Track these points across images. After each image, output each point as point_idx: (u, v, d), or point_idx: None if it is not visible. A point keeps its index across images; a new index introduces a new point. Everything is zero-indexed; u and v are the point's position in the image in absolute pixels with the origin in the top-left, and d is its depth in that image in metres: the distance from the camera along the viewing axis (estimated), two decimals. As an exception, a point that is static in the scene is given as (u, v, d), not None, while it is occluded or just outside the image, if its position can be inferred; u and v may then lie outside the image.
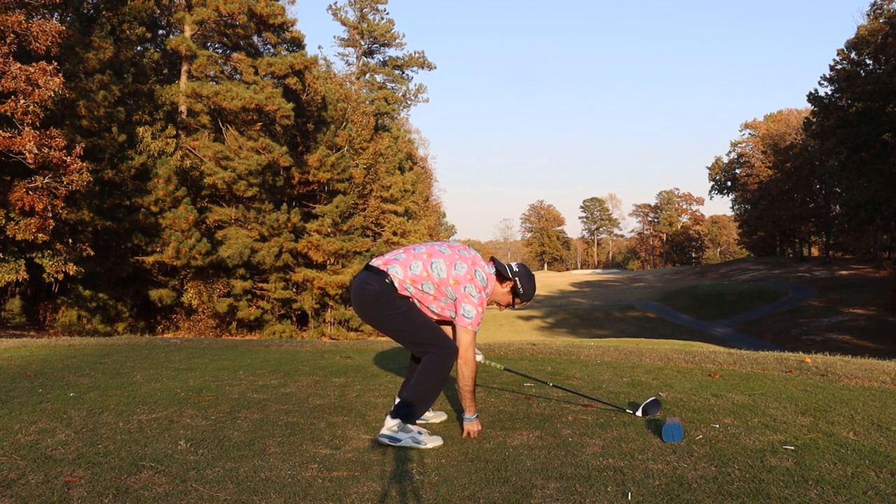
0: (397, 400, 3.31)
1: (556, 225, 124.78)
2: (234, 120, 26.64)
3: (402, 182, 38.96)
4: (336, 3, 50.75)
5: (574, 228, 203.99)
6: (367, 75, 51.00)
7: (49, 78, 16.24)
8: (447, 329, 3.44)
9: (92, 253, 20.34)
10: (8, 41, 16.29)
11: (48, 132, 16.78)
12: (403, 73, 51.90)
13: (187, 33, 26.56)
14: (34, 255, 18.66)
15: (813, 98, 41.59)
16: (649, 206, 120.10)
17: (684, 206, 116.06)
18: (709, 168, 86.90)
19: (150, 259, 23.76)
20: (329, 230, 28.36)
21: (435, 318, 3.36)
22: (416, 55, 51.05)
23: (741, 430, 3.24)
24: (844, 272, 57.10)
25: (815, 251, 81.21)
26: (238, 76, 28.04)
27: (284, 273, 27.73)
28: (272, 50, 29.61)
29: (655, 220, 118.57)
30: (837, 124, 39.09)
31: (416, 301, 3.30)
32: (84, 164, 17.51)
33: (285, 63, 27.24)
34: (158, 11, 28.33)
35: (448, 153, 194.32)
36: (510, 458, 2.87)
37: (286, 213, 26.88)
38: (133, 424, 3.40)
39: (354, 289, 3.33)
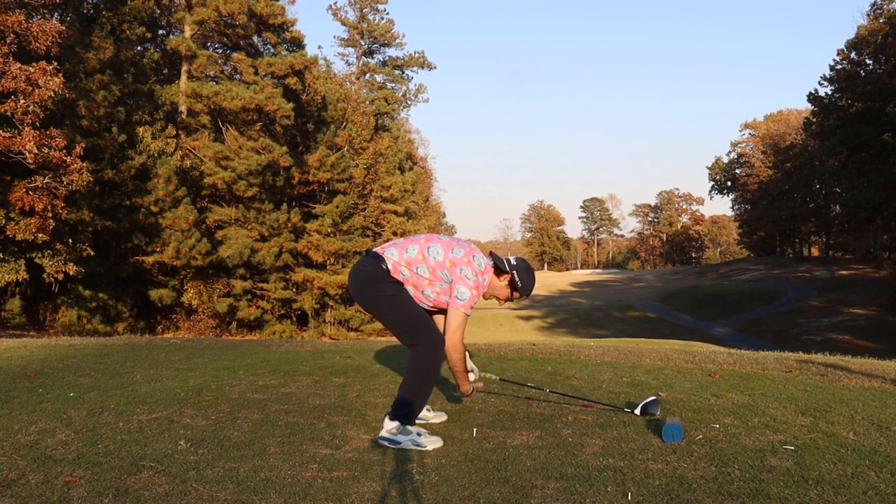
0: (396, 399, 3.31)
1: (556, 225, 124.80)
2: (234, 120, 26.65)
3: (402, 182, 38.96)
4: (336, 3, 50.77)
5: (574, 228, 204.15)
6: (367, 75, 51.00)
7: (49, 78, 16.25)
8: (439, 321, 3.43)
9: (92, 253, 20.34)
10: (8, 41, 16.29)
11: (48, 132, 16.79)
12: (403, 73, 51.91)
13: (187, 33, 26.56)
14: (34, 255, 18.66)
15: (813, 98, 41.59)
16: (649, 206, 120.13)
17: (684, 206, 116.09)
18: (709, 168, 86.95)
19: (150, 259, 23.76)
20: (329, 230, 28.37)
21: (430, 305, 3.34)
22: (416, 55, 51.07)
23: (741, 430, 3.24)
24: (844, 272, 57.10)
25: (815, 251, 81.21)
26: (238, 76, 28.04)
27: (284, 273, 27.74)
28: (272, 50, 29.62)
29: (655, 220, 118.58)
30: (837, 124, 39.08)
31: (409, 287, 3.28)
32: (84, 164, 17.52)
33: (285, 63, 27.24)
34: (158, 11, 28.34)
35: (448, 153, 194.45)
36: (510, 458, 2.87)
37: (286, 213, 26.88)
38: (133, 424, 3.40)
39: (351, 271, 3.38)
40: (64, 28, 17.88)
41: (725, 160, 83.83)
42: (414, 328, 3.24)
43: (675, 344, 17.12)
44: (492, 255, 3.39)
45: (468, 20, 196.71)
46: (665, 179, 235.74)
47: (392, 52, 51.65)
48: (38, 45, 16.73)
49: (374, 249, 3.36)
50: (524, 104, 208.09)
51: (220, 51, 29.62)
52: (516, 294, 3.40)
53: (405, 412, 3.15)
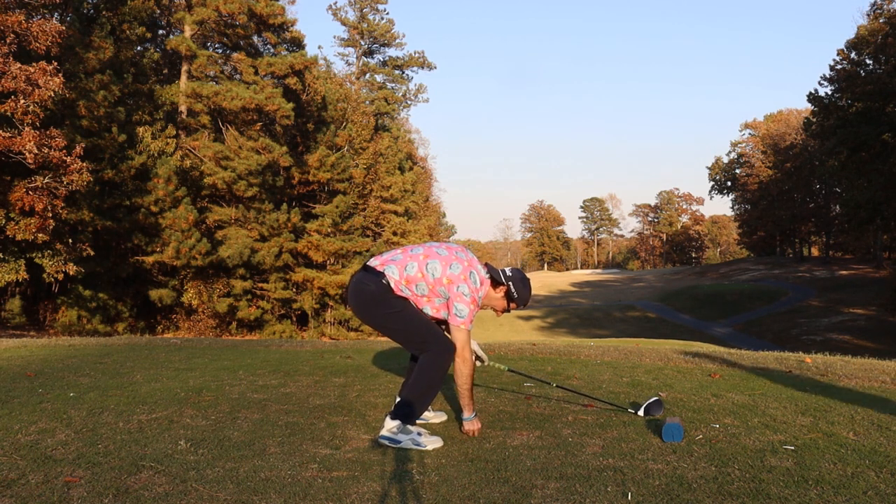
0: (398, 399, 3.31)
1: (556, 225, 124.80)
2: (234, 120, 26.65)
3: (402, 182, 38.97)
4: (336, 3, 50.78)
5: (574, 228, 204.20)
6: (367, 75, 51.01)
7: (49, 78, 16.25)
8: (445, 328, 3.45)
9: (92, 253, 20.34)
10: (8, 41, 16.29)
11: (48, 132, 16.79)
12: (403, 73, 51.92)
13: (187, 33, 26.57)
14: (34, 255, 18.66)
15: (813, 98, 41.60)
16: (649, 206, 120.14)
17: (684, 206, 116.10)
18: (709, 168, 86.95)
19: (150, 259, 23.76)
20: (329, 230, 28.37)
21: (430, 318, 3.37)
22: (416, 55, 51.08)
23: (741, 430, 3.24)
24: (844, 272, 57.11)
25: (815, 251, 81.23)
26: (238, 76, 28.05)
27: (284, 273, 27.74)
28: (272, 50, 29.62)
29: (655, 220, 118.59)
30: (837, 124, 39.09)
31: (412, 301, 3.31)
32: (84, 164, 17.52)
33: (285, 63, 27.24)
34: (158, 11, 28.34)
35: (448, 153, 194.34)
36: (510, 458, 2.87)
37: (286, 213, 26.88)
38: (133, 424, 3.40)
39: (351, 289, 3.35)
40: (64, 28, 17.88)
41: (725, 160, 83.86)
42: (425, 339, 3.26)
43: (675, 344, 17.12)
44: (487, 266, 3.40)
45: (468, 20, 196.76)
46: (665, 179, 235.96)
47: (392, 52, 51.69)
48: (38, 45, 16.73)
49: (372, 264, 3.33)
50: (524, 104, 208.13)
51: (220, 51, 29.63)
52: (513, 305, 3.41)
53: (407, 412, 3.16)
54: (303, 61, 27.76)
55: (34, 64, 16.34)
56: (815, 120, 43.34)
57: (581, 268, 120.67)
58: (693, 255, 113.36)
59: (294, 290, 28.45)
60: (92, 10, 24.51)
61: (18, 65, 16.05)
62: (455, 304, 3.22)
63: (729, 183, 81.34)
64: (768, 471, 2.62)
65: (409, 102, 52.95)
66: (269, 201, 26.92)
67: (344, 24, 49.33)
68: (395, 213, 37.91)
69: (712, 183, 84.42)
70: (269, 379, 4.81)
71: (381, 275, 3.26)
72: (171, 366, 5.41)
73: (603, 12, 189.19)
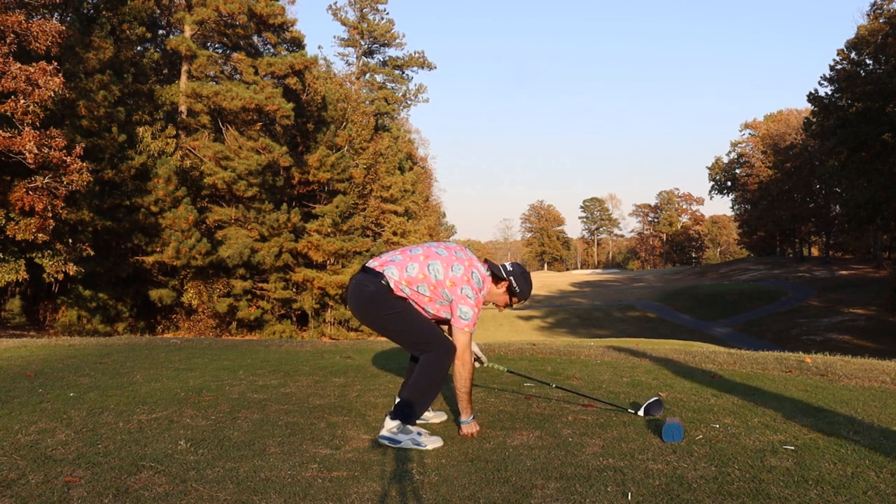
0: (398, 400, 3.31)
1: (556, 225, 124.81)
2: (234, 120, 26.65)
3: (402, 182, 38.96)
4: (336, 3, 50.78)
5: (574, 228, 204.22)
6: (367, 75, 51.00)
7: (49, 78, 16.24)
8: (444, 328, 3.45)
9: (92, 253, 20.34)
10: (8, 41, 16.29)
11: (48, 132, 16.79)
12: (403, 73, 51.91)
13: (187, 33, 26.56)
14: (34, 255, 18.66)
15: (813, 98, 41.60)
16: (649, 206, 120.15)
17: (684, 206, 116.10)
18: (709, 168, 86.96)
19: (150, 259, 23.76)
20: (329, 230, 28.37)
21: (430, 318, 3.36)
22: (416, 55, 51.07)
23: (741, 430, 3.24)
24: (844, 272, 57.10)
25: (815, 251, 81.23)
26: (238, 76, 28.04)
27: (284, 273, 27.73)
28: (272, 50, 29.62)
29: (655, 220, 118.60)
30: (837, 124, 39.08)
31: (412, 302, 3.30)
32: (84, 164, 17.51)
33: (285, 63, 27.24)
34: (158, 11, 28.34)
35: (448, 153, 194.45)
36: (510, 458, 2.87)
37: (286, 213, 26.88)
38: (133, 424, 3.40)
39: (351, 290, 3.34)
40: (64, 28, 17.88)
41: (725, 160, 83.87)
42: (426, 339, 3.25)
43: (675, 344, 17.12)
44: (487, 262, 3.40)
45: (468, 20, 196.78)
46: (665, 179, 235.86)
47: (392, 52, 51.69)
48: (38, 45, 16.73)
49: (372, 265, 3.32)
50: (524, 104, 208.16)
51: (220, 51, 29.62)
52: (515, 300, 3.41)
53: (407, 412, 3.15)
54: (303, 61, 27.76)
55: (34, 64, 16.34)
56: (815, 120, 43.34)
57: (581, 268, 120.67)
58: (693, 255, 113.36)
59: (294, 290, 28.45)
60: (92, 10, 24.51)
61: (18, 65, 16.05)
62: (459, 307, 3.21)
63: (729, 183, 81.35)
64: (768, 471, 2.62)
65: (409, 102, 52.96)
66: (269, 201, 26.92)
67: (344, 24, 49.33)
68: (395, 213, 37.90)
69: (712, 183, 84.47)
70: (269, 379, 4.81)
71: (381, 276, 3.25)
72: (171, 366, 5.41)
73: (603, 12, 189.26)
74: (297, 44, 30.10)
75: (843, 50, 41.30)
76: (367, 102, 43.66)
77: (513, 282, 3.36)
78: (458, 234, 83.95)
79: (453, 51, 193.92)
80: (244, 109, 25.54)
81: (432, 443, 3.07)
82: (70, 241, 19.89)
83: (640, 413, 3.56)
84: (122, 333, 22.73)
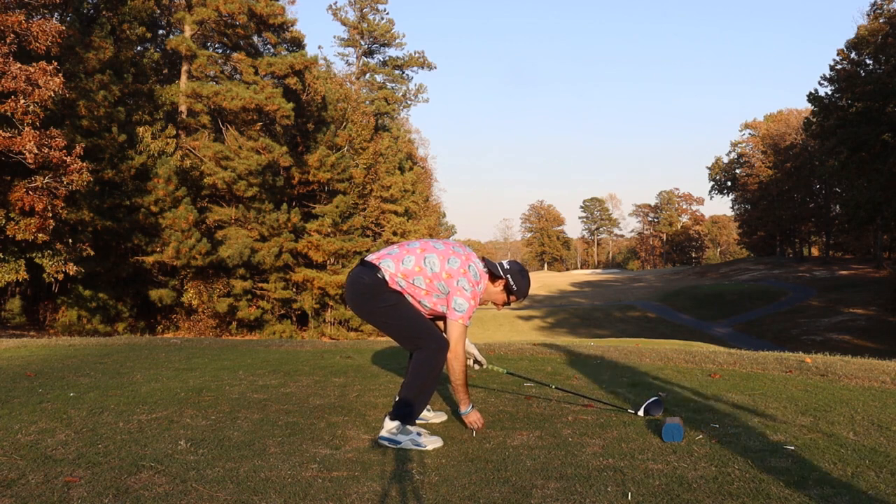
0: (396, 399, 3.31)
1: (556, 225, 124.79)
2: (234, 120, 26.65)
3: (402, 182, 38.95)
4: (336, 3, 50.77)
5: (574, 228, 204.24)
6: (367, 75, 50.99)
7: (49, 78, 16.25)
8: (439, 324, 3.44)
9: (92, 253, 20.35)
10: (8, 41, 16.30)
11: (48, 132, 16.79)
12: (403, 73, 51.90)
13: (187, 33, 26.57)
14: (34, 255, 18.66)
15: (813, 98, 41.58)
16: (649, 206, 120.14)
17: (684, 206, 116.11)
18: (709, 168, 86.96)
19: (150, 259, 23.76)
20: (329, 230, 28.37)
21: (426, 313, 3.35)
22: (416, 55, 51.06)
23: (741, 430, 3.24)
24: (844, 272, 57.09)
25: (815, 251, 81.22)
26: (238, 76, 28.05)
27: (284, 273, 27.74)
28: (272, 50, 29.63)
29: (655, 220, 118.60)
30: (837, 124, 39.07)
31: (407, 295, 3.29)
32: (84, 164, 17.52)
33: (285, 63, 27.24)
34: (158, 11, 28.35)
35: (448, 153, 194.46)
36: (510, 458, 2.87)
37: (286, 213, 26.88)
38: (133, 424, 3.40)
39: (348, 283, 3.36)
40: (64, 28, 17.88)
41: (725, 160, 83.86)
42: (418, 334, 3.24)
43: (675, 344, 17.12)
44: (485, 260, 3.39)
45: (468, 20, 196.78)
46: (665, 179, 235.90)
47: (392, 52, 51.66)
48: (38, 45, 16.73)
49: (369, 259, 3.33)
50: (524, 104, 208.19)
51: (220, 51, 29.63)
52: (513, 298, 3.39)
53: (406, 412, 3.15)
54: (303, 61, 27.76)
55: (34, 64, 16.34)
56: (815, 120, 43.31)
57: (581, 268, 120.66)
58: (693, 255, 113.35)
59: (294, 290, 28.45)
60: (92, 10, 24.51)
61: (18, 65, 16.05)
62: (455, 299, 3.20)
63: (729, 183, 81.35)
64: (768, 471, 2.62)
65: (409, 102, 52.94)
66: (269, 201, 26.92)
67: (344, 24, 49.33)
68: (395, 213, 37.90)
69: (712, 183, 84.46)
70: (269, 379, 4.81)
71: (377, 268, 3.25)
72: (171, 366, 5.41)
73: (603, 12, 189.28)
74: (297, 44, 30.11)
75: (843, 50, 41.30)
76: (367, 102, 43.65)
77: (510, 280, 3.34)
78: (458, 234, 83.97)
79: (453, 51, 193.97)
80: (244, 109, 25.55)
81: (432, 443, 3.06)
82: (70, 241, 19.89)
83: (640, 413, 3.56)
84: (122, 333, 22.73)
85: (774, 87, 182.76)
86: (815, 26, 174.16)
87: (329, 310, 30.52)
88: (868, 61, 39.75)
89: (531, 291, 3.57)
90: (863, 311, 41.85)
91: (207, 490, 2.46)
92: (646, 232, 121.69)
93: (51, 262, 18.68)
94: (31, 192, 17.12)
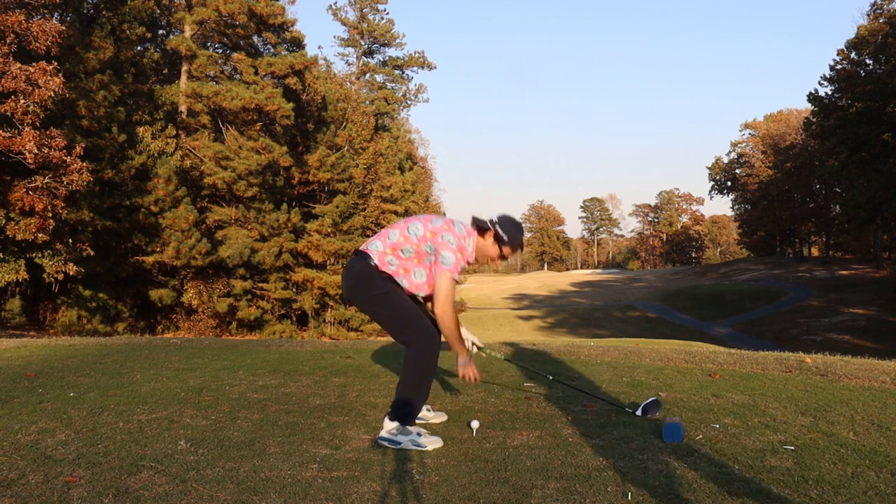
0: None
1: (556, 225, 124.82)
2: (234, 120, 26.65)
3: (402, 182, 38.93)
4: (336, 3, 50.75)
5: (574, 228, 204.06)
6: (367, 75, 50.97)
7: (49, 78, 16.24)
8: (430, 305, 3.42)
9: (92, 253, 20.34)
10: (8, 41, 16.29)
11: (48, 132, 16.79)
12: (403, 73, 51.88)
13: (187, 33, 26.56)
14: (34, 255, 18.66)
15: (813, 98, 41.58)
16: (649, 206, 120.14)
17: (684, 206, 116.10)
18: (709, 168, 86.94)
19: (150, 259, 23.76)
20: (329, 230, 28.36)
21: (425, 288, 3.28)
22: (416, 55, 51.04)
23: (741, 430, 3.24)
24: (844, 272, 57.08)
25: (815, 251, 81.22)
26: (238, 76, 28.04)
27: (284, 273, 27.73)
28: (272, 50, 29.62)
29: (655, 220, 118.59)
30: (837, 124, 39.07)
31: (401, 278, 3.25)
32: (84, 164, 17.51)
33: (285, 63, 27.24)
34: (158, 11, 28.34)
35: (448, 153, 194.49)
36: (510, 458, 2.87)
37: (286, 213, 26.88)
38: (133, 424, 3.40)
39: (342, 273, 3.39)
40: (64, 28, 17.87)
41: (725, 160, 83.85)
42: (408, 325, 3.22)
43: (675, 344, 17.12)
44: (473, 218, 3.35)
45: (468, 20, 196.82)
46: (665, 179, 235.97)
47: (392, 52, 51.64)
48: (38, 45, 16.73)
49: (360, 248, 3.35)
50: (524, 104, 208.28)
51: (220, 51, 29.62)
52: (506, 249, 3.29)
53: (404, 412, 3.14)
54: (303, 61, 27.75)
55: (34, 64, 16.34)
56: (815, 120, 43.31)
57: (581, 268, 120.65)
58: (693, 255, 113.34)
59: (294, 290, 28.44)
60: (92, 10, 24.51)
61: (18, 65, 16.05)
62: (441, 253, 3.15)
63: (729, 183, 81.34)
64: (768, 471, 2.62)
65: (409, 102, 52.91)
66: (269, 201, 26.91)
67: (344, 24, 49.31)
68: (395, 213, 37.85)
69: (712, 183, 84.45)
70: (269, 379, 4.81)
71: (368, 256, 3.26)
72: (171, 366, 5.41)
73: (603, 12, 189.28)
74: (297, 44, 30.11)
75: (843, 50, 41.30)
76: (367, 102, 43.63)
77: (499, 229, 3.27)
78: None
79: (453, 51, 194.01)
80: (244, 109, 25.54)
81: (432, 443, 3.06)
82: (70, 241, 19.88)
83: (638, 413, 3.55)
84: (122, 333, 22.73)
85: (774, 87, 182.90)
86: (815, 26, 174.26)
87: (329, 310, 30.50)
88: (868, 61, 39.75)
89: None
90: (863, 311, 41.84)
91: (207, 490, 2.46)
92: (646, 232, 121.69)
93: (51, 262, 18.67)
94: (31, 192, 17.11)
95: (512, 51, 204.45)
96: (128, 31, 24.04)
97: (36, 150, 16.09)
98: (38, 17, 18.78)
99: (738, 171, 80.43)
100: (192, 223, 23.59)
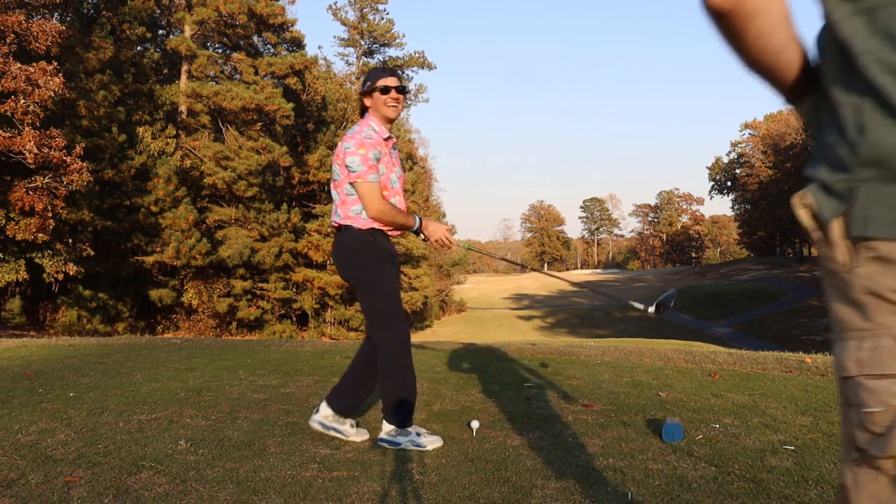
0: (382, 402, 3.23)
1: (556, 225, 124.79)
2: (234, 120, 26.66)
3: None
4: (336, 3, 50.79)
5: (574, 228, 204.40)
6: (368, 75, 50.95)
7: (49, 78, 16.26)
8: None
9: (92, 253, 20.35)
10: (8, 41, 16.30)
11: (48, 132, 16.80)
12: (403, 73, 51.87)
13: (187, 33, 26.57)
14: (34, 255, 18.67)
15: (813, 98, 41.58)
16: (649, 206, 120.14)
17: (684, 206, 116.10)
18: (709, 168, 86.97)
19: (150, 259, 23.77)
20: (329, 230, 28.37)
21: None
22: (416, 55, 51.05)
23: (741, 430, 3.24)
24: (844, 272, 57.00)
25: (815, 251, 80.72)
26: (238, 76, 28.05)
27: (284, 273, 27.74)
28: (272, 50, 29.63)
29: (655, 220, 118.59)
30: (837, 124, 39.08)
31: (366, 222, 3.08)
32: (84, 164, 17.53)
33: (285, 63, 27.25)
34: (158, 11, 28.35)
35: (448, 153, 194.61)
36: (510, 458, 2.87)
37: (286, 213, 26.88)
38: (133, 424, 3.40)
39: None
40: (64, 28, 17.90)
41: (725, 160, 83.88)
42: (378, 314, 3.12)
43: (675, 344, 17.11)
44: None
45: (468, 20, 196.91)
46: (665, 179, 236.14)
47: (392, 52, 51.65)
48: (38, 45, 16.74)
49: (336, 220, 3.20)
50: (524, 104, 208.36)
51: (220, 51, 29.63)
52: (379, 84, 3.06)
53: (400, 417, 3.11)
54: (303, 61, 27.77)
55: (34, 64, 16.35)
56: (815, 120, 43.30)
57: (581, 268, 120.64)
58: (693, 255, 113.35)
59: (294, 290, 28.45)
60: (92, 10, 24.52)
61: (18, 65, 16.06)
62: (346, 164, 3.01)
63: (729, 183, 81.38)
64: (768, 471, 2.62)
65: (409, 102, 52.93)
66: (269, 201, 26.92)
67: (344, 24, 49.32)
68: (395, 213, 37.86)
69: (712, 183, 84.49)
70: (269, 379, 4.81)
71: (341, 228, 3.15)
72: (171, 366, 5.41)
73: (603, 12, 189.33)
74: (297, 44, 30.12)
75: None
76: (367, 102, 43.61)
77: (365, 83, 3.10)
78: (458, 235, 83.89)
79: (453, 51, 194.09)
80: (244, 109, 25.56)
81: (432, 443, 3.06)
82: (70, 241, 19.90)
83: (651, 310, 3.17)
84: (122, 333, 22.73)
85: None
86: (814, 26, 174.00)
87: (329, 310, 30.51)
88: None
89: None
90: (863, 311, 41.78)
91: (207, 490, 2.46)
92: (646, 232, 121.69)
93: (51, 262, 18.68)
94: (31, 192, 17.12)
95: (512, 51, 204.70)
96: (128, 31, 24.05)
97: (36, 150, 16.11)
98: (38, 17, 18.79)
99: (738, 171, 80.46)
100: (192, 223, 23.60)
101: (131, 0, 24.16)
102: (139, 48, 26.93)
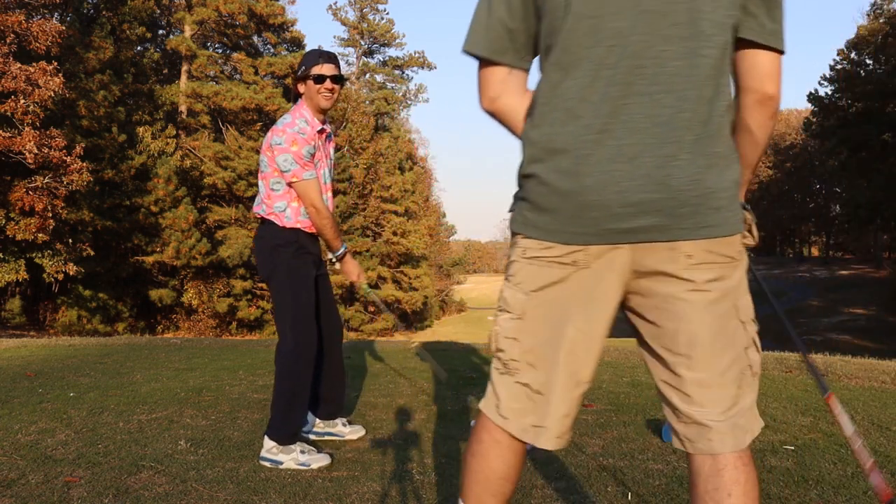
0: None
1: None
2: (234, 120, 26.66)
3: (402, 182, 38.93)
4: (336, 3, 50.80)
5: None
6: (367, 75, 50.97)
7: (49, 78, 16.26)
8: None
9: (92, 253, 20.35)
10: (8, 41, 16.31)
11: (48, 132, 16.80)
12: (403, 73, 51.85)
13: (187, 33, 26.57)
14: (34, 255, 18.66)
15: (813, 98, 41.60)
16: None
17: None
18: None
19: (150, 259, 23.76)
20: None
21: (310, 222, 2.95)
22: (416, 55, 51.01)
23: (741, 430, 3.23)
24: (844, 272, 57.07)
25: (815, 251, 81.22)
26: (238, 76, 28.06)
27: (284, 273, 27.73)
28: (272, 50, 29.65)
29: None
30: (837, 124, 39.10)
31: (291, 210, 2.90)
32: (84, 164, 17.53)
33: (285, 63, 27.25)
34: (158, 11, 28.35)
35: (448, 153, 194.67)
36: (510, 458, 2.86)
37: (286, 213, 26.89)
38: (133, 424, 3.40)
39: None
40: (64, 28, 17.90)
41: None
42: (283, 318, 2.89)
43: (675, 344, 17.09)
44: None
45: (468, 20, 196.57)
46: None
47: (392, 52, 51.73)
48: (38, 45, 16.74)
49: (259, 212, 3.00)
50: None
51: (220, 51, 29.63)
52: (314, 71, 2.88)
53: (280, 433, 2.80)
54: (303, 61, 27.78)
55: (34, 64, 16.35)
56: (815, 120, 43.33)
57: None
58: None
59: (294, 290, 28.43)
60: (92, 10, 24.52)
61: (18, 65, 16.07)
62: (277, 162, 2.82)
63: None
64: (768, 471, 2.62)
65: (409, 102, 52.89)
66: (269, 201, 26.93)
67: (344, 24, 49.29)
68: (395, 213, 37.87)
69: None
70: (269, 379, 4.81)
71: (261, 221, 2.95)
72: (171, 366, 5.41)
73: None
74: (297, 44, 30.13)
75: (843, 50, 41.30)
76: (367, 102, 43.62)
77: (298, 73, 2.93)
78: (458, 235, 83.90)
79: (453, 51, 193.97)
80: (244, 109, 25.57)
81: (318, 461, 2.77)
82: (70, 241, 19.89)
83: None
84: (122, 333, 22.73)
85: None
86: (815, 26, 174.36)
87: (329, 310, 30.49)
88: (868, 61, 39.77)
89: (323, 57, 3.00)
90: (863, 311, 41.83)
91: (207, 490, 2.46)
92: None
93: (51, 262, 18.68)
94: (31, 192, 17.12)
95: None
96: (128, 31, 24.05)
97: (36, 150, 16.11)
98: (38, 17, 18.80)
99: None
100: (192, 223, 23.60)
101: (131, 0, 24.16)
102: (139, 48, 26.93)
